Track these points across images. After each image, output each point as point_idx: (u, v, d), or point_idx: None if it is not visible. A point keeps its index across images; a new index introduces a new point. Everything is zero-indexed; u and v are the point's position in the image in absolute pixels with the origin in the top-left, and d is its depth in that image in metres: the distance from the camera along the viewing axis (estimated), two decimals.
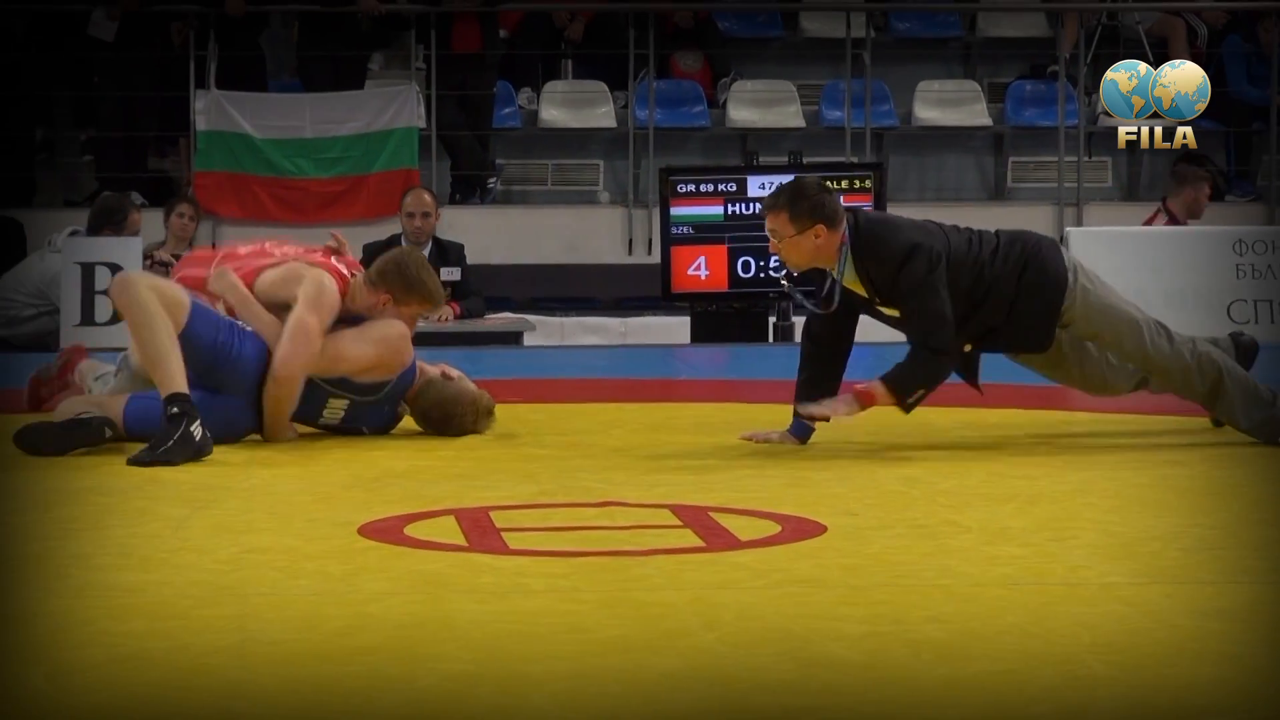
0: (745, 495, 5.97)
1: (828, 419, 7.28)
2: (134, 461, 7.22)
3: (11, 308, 11.70)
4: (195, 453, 7.20)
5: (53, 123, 14.48)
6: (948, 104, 14.81)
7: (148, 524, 5.84)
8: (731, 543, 5.33)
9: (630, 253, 13.89)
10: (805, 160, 13.36)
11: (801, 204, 7.01)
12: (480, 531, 5.52)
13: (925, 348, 7.08)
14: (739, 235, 12.82)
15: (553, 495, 6.18)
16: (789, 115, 14.97)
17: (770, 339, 12.98)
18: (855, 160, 13.82)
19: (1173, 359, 6.99)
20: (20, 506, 6.23)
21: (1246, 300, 12.45)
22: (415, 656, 4.02)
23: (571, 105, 14.94)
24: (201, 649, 4.16)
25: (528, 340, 12.45)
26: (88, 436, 7.50)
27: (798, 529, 5.45)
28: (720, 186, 12.93)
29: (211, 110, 13.87)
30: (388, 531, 5.48)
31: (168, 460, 7.13)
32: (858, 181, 12.93)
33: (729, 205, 12.87)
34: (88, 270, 11.17)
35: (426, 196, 12.97)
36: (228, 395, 7.71)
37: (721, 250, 12.82)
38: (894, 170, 13.52)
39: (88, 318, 11.80)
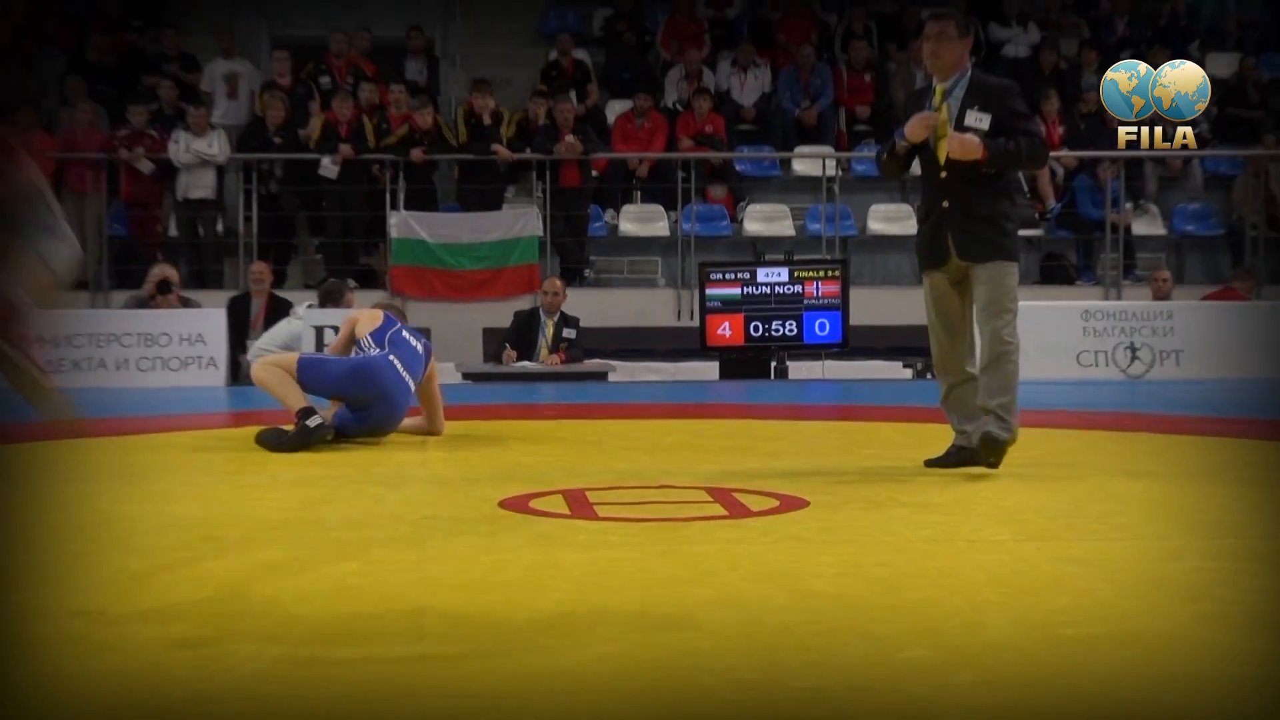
0: (755, 481, 5.96)
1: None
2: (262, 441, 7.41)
3: (269, 354, 11.78)
4: (309, 435, 7.32)
5: (294, 232, 14.53)
6: (891, 220, 14.75)
7: (361, 498, 5.86)
8: (745, 512, 5.34)
9: (679, 319, 13.88)
10: (795, 258, 13.38)
11: (965, 21, 6.51)
12: (579, 504, 5.53)
13: (1036, 139, 6.38)
14: (752, 308, 12.86)
15: (626, 480, 6.17)
16: (784, 227, 14.94)
17: (772, 377, 12.98)
18: (828, 258, 13.77)
19: (1011, 332, 6.12)
20: (287, 485, 6.27)
21: (1090, 350, 12.46)
22: (538, 588, 4.07)
23: (640, 221, 14.93)
24: (402, 581, 4.20)
25: (611, 378, 12.47)
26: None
27: (790, 503, 5.45)
28: (739, 275, 12.96)
29: (401, 224, 13.91)
30: (518, 504, 5.50)
31: (300, 442, 7.30)
32: (829, 270, 12.97)
33: (744, 288, 12.90)
34: (319, 331, 11.24)
35: (558, 283, 12.99)
36: (367, 410, 7.74)
37: (740, 317, 12.85)
38: (854, 265, 13.49)
39: None
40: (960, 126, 6.14)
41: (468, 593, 4.05)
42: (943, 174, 6.25)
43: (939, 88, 6.27)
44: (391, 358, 7.76)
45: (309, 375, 7.71)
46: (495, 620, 3.71)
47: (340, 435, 7.59)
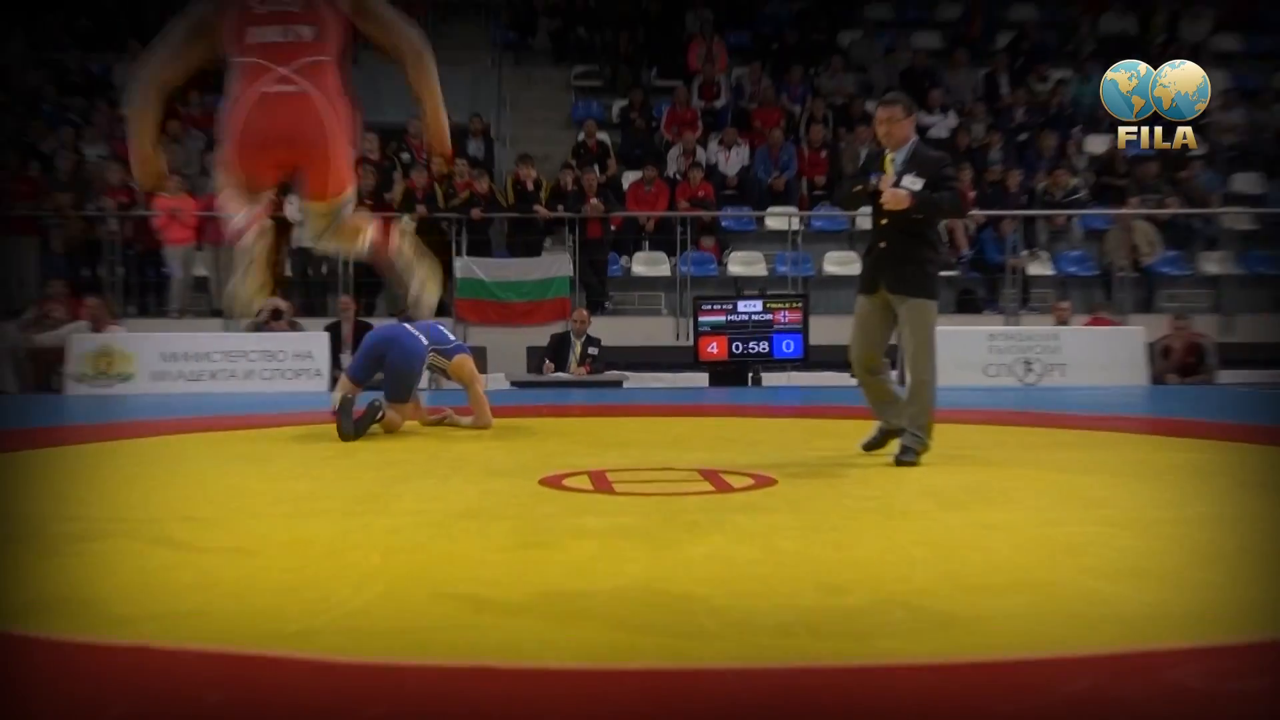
0: (735, 464, 5.95)
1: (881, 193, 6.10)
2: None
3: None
4: (340, 412, 7.39)
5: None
6: (841, 264, 14.72)
7: (431, 477, 5.82)
8: (728, 489, 5.32)
9: (678, 340, 13.85)
10: (767, 293, 13.43)
11: (909, 104, 6.29)
12: (600, 481, 5.52)
13: (957, 194, 6.34)
14: (734, 331, 12.90)
15: (637, 463, 6.15)
16: (759, 270, 14.92)
17: (749, 385, 12.99)
18: (793, 293, 13.78)
19: (927, 367, 6.08)
20: (352, 472, 6.29)
21: (994, 364, 12.47)
22: (569, 546, 4.07)
23: (648, 264, 14.91)
24: (466, 540, 4.21)
25: (625, 385, 12.49)
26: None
27: (763, 481, 5.44)
28: (724, 306, 12.99)
29: (464, 267, 13.92)
30: (553, 482, 5.50)
31: (344, 422, 7.34)
32: (794, 303, 13.02)
33: (728, 316, 12.93)
34: None
35: (584, 312, 13.05)
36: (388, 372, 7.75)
37: (725, 338, 12.87)
38: (813, 298, 13.46)
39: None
40: (897, 185, 6.10)
41: (517, 550, 4.07)
42: (883, 221, 6.22)
43: (889, 156, 6.22)
44: (402, 324, 7.93)
45: (350, 369, 7.95)
46: (537, 568, 3.73)
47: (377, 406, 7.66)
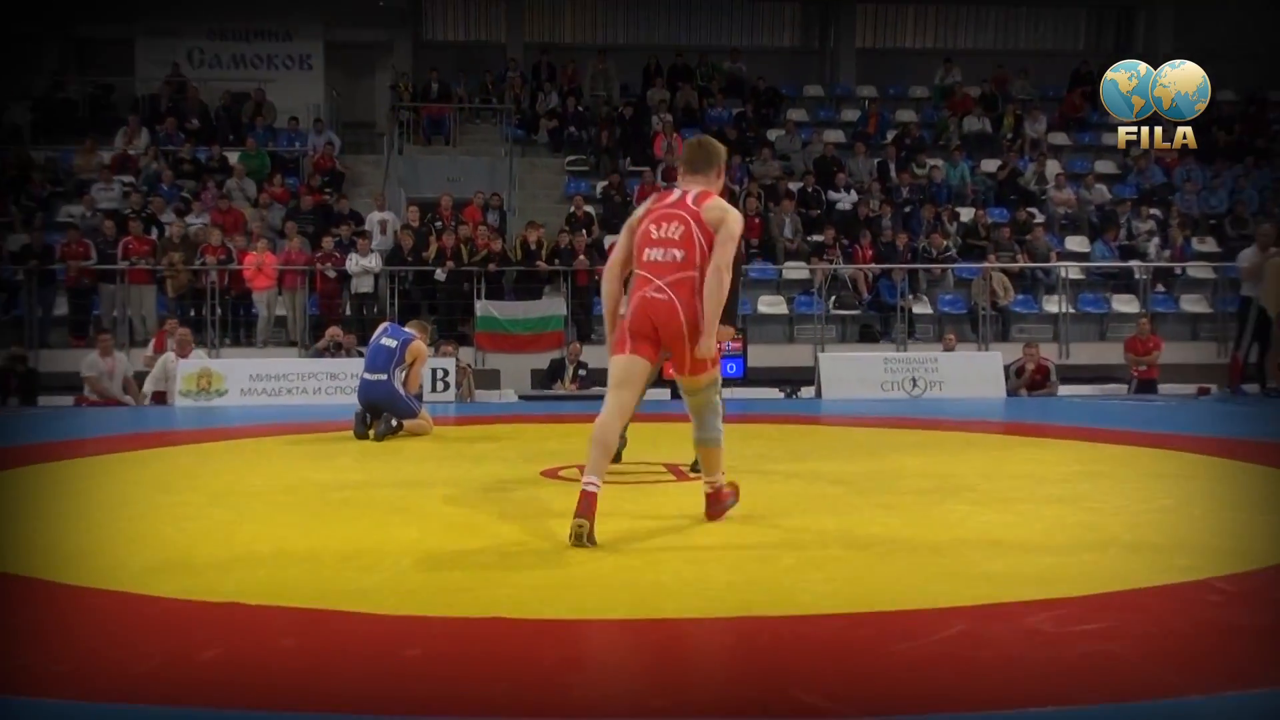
0: (693, 461, 5.91)
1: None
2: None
3: None
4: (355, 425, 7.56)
5: (419, 312, 14.34)
6: (771, 305, 14.71)
7: (454, 471, 5.74)
8: (688, 479, 5.32)
9: None
10: None
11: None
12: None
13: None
14: None
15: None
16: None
17: None
18: (738, 327, 13.75)
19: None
20: (375, 470, 6.23)
21: (889, 381, 12.45)
22: (562, 525, 4.02)
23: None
24: (483, 518, 4.15)
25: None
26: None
27: None
28: None
29: (482, 308, 13.84)
30: (551, 474, 5.47)
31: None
32: (737, 333, 12.89)
33: None
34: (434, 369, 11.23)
35: (577, 345, 13.01)
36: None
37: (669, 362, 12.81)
38: (751, 331, 13.41)
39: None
40: None
41: (523, 523, 4.02)
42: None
43: None
44: (364, 375, 7.80)
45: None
46: (537, 540, 3.70)
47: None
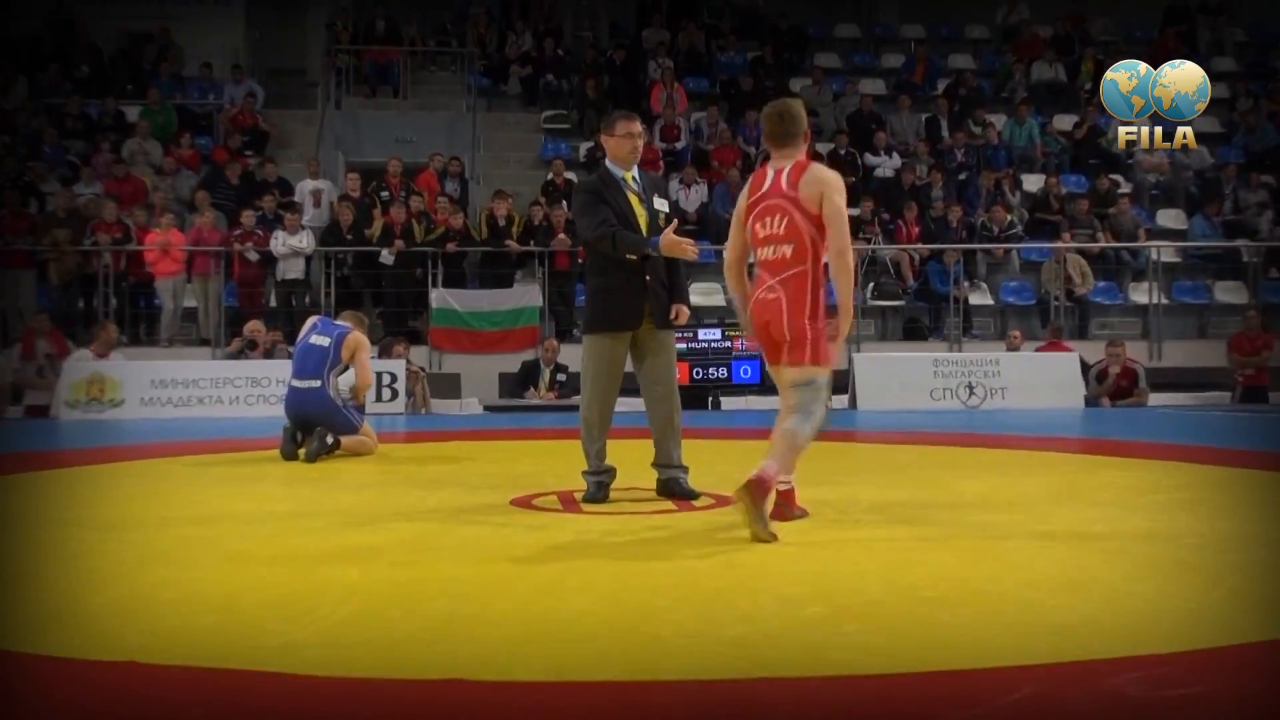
0: (696, 484, 5.91)
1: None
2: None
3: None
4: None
5: (361, 303, 14.42)
6: None
7: (409, 498, 5.77)
8: (690, 508, 5.34)
9: None
10: (726, 322, 13.47)
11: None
12: (568, 503, 5.51)
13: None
14: (695, 358, 13.01)
15: None
16: (718, 300, 14.98)
17: (709, 408, 13.00)
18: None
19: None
20: (347, 491, 6.22)
21: (939, 388, 12.51)
22: (538, 562, 4.03)
23: None
24: (444, 557, 4.16)
25: None
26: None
27: (722, 500, 5.41)
28: (685, 333, 12.97)
29: (439, 297, 13.90)
30: (524, 502, 5.48)
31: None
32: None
33: (689, 343, 12.98)
34: (378, 375, 11.25)
35: (554, 342, 13.07)
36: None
37: (686, 364, 12.90)
38: None
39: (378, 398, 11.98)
40: (651, 209, 5.54)
41: (488, 566, 4.02)
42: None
43: (629, 174, 5.55)
44: (292, 383, 7.94)
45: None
46: (507, 584, 3.69)
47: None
